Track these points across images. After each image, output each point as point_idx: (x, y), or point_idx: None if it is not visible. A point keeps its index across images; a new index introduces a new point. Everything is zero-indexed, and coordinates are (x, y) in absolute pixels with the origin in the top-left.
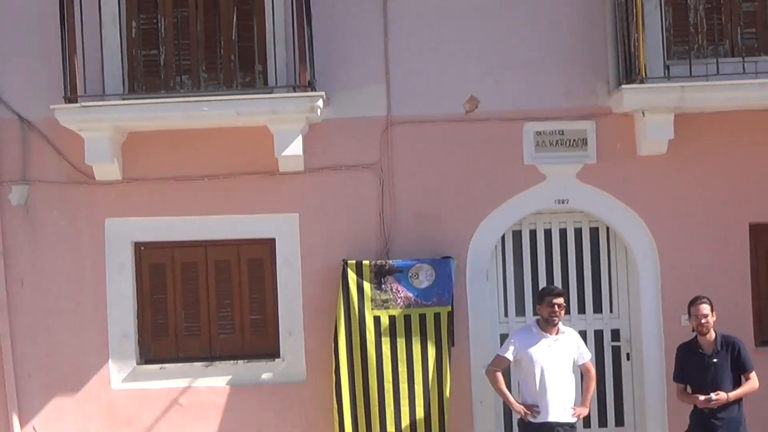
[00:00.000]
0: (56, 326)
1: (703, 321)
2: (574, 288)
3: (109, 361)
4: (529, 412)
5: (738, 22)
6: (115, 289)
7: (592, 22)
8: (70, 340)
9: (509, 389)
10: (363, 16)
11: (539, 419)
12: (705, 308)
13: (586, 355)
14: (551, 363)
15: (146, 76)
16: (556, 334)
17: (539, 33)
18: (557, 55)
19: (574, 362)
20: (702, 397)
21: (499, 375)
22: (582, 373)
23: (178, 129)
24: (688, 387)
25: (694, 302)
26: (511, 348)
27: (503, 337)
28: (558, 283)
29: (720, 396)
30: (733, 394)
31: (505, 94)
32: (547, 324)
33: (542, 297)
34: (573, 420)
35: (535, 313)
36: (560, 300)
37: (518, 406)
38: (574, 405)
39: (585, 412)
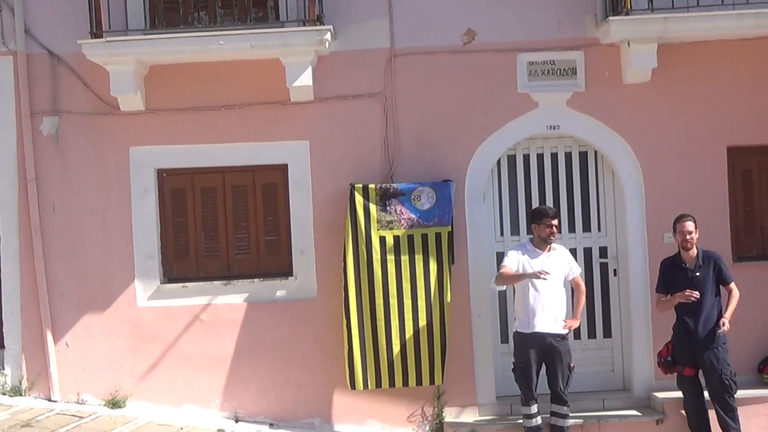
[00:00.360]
0: (85, 248)
1: (687, 237)
2: (565, 209)
3: (135, 280)
4: (541, 273)
5: None
6: (140, 213)
7: None
8: (99, 261)
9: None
10: None
11: (532, 329)
12: (689, 225)
13: (576, 270)
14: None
15: (166, 12)
16: (549, 251)
17: None
18: None
19: (565, 277)
20: (686, 292)
21: (505, 271)
22: (572, 288)
23: (196, 62)
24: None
25: (680, 219)
26: (515, 261)
27: (499, 255)
28: (549, 204)
29: (694, 294)
30: (729, 314)
31: (500, 26)
32: (542, 242)
33: (539, 217)
34: (564, 332)
35: (529, 232)
36: (556, 221)
37: (531, 271)
38: (565, 318)
39: (576, 324)
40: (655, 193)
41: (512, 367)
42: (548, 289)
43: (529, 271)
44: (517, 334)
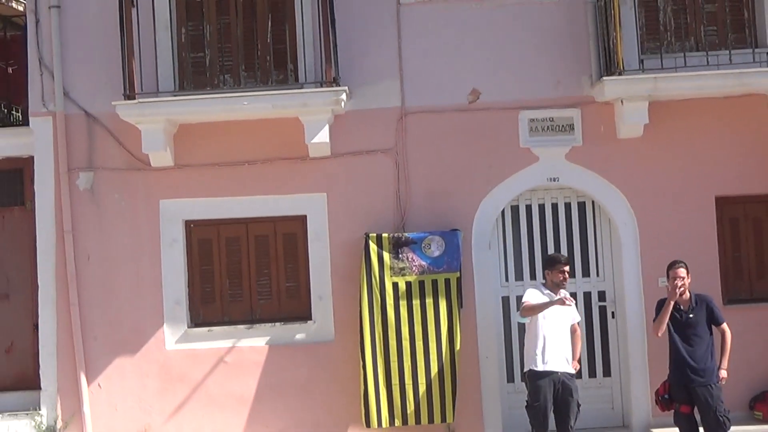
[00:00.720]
0: (118, 295)
1: (679, 282)
2: (566, 254)
3: (164, 324)
4: (567, 299)
5: (701, 21)
6: (169, 261)
7: (577, 24)
8: (130, 307)
9: (517, 354)
10: (380, 21)
11: (546, 368)
12: (682, 271)
13: (577, 318)
14: (556, 320)
15: (194, 75)
16: (559, 296)
17: (532, 33)
18: (547, 52)
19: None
20: (674, 283)
21: (530, 303)
22: (571, 333)
23: (221, 121)
24: (664, 335)
25: (673, 266)
26: (536, 296)
27: (505, 300)
28: (551, 251)
29: (722, 374)
30: (725, 363)
31: (502, 86)
32: (555, 287)
33: (553, 264)
34: (573, 371)
35: (532, 278)
36: (567, 267)
37: (556, 299)
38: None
39: (577, 366)
40: (649, 239)
41: (525, 404)
42: (558, 331)
43: (543, 312)
44: (531, 373)
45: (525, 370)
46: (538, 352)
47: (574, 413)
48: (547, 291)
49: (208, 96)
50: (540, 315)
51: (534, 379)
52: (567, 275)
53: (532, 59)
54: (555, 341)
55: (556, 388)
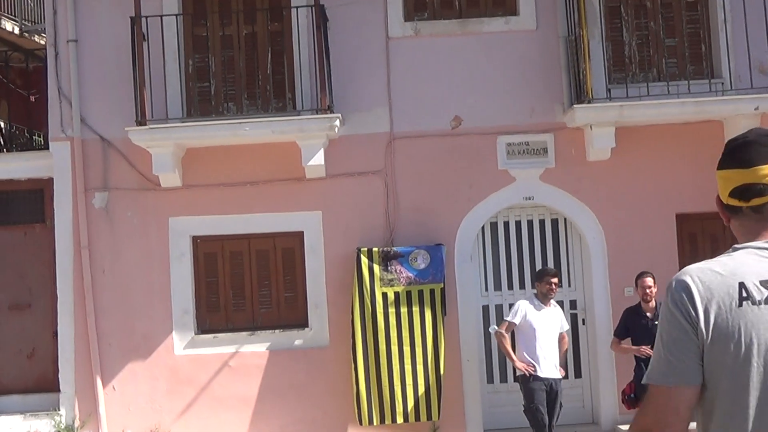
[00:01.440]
0: (130, 305)
1: (647, 290)
2: (554, 268)
3: (173, 332)
4: (531, 370)
5: (663, 54)
6: (177, 274)
7: (550, 56)
8: (142, 315)
9: (497, 358)
10: (371, 53)
11: (539, 373)
12: (649, 281)
13: (566, 327)
14: (546, 330)
15: (200, 103)
16: (550, 305)
17: (509, 64)
18: (523, 82)
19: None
20: (644, 348)
21: (507, 337)
22: (558, 340)
23: (225, 145)
24: (626, 343)
25: (641, 276)
26: (519, 315)
27: (485, 308)
28: (526, 264)
29: (647, 351)
30: None
31: (482, 113)
32: (544, 298)
33: (542, 276)
34: (560, 376)
35: (509, 288)
36: (556, 279)
37: (520, 364)
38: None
39: (563, 372)
40: (616, 253)
41: (523, 408)
42: (549, 340)
43: (533, 321)
44: (525, 378)
45: (518, 374)
46: (532, 358)
47: (556, 413)
48: (537, 301)
49: (213, 122)
50: (534, 321)
51: (528, 382)
52: (555, 286)
53: (509, 88)
54: (546, 348)
55: (546, 391)
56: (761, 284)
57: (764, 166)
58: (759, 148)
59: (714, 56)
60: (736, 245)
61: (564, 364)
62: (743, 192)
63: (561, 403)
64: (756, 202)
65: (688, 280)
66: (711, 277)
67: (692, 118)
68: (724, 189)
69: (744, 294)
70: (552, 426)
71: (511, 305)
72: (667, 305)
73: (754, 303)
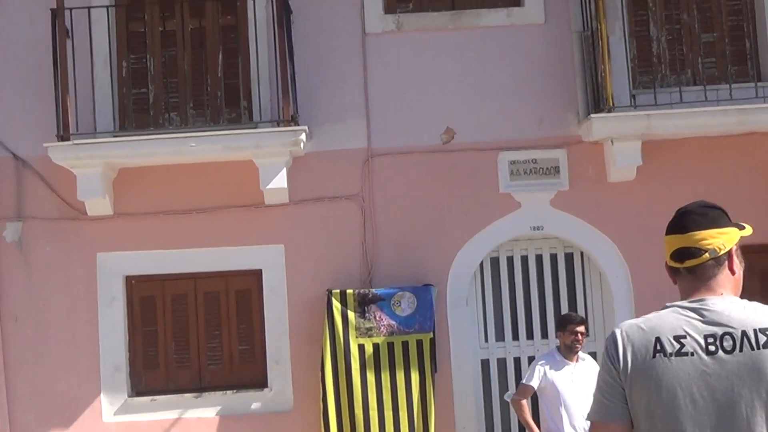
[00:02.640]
0: (50, 360)
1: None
2: (552, 312)
3: (101, 393)
4: None
5: (698, 52)
6: (107, 322)
7: (561, 55)
8: (64, 373)
9: (500, 425)
10: (343, 53)
11: None
12: (581, 328)
13: None
14: (574, 391)
15: (136, 114)
16: (577, 361)
17: (512, 65)
18: (529, 87)
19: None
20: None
21: (525, 404)
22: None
23: (167, 164)
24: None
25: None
26: (536, 376)
27: (484, 363)
28: (535, 308)
29: None
30: None
31: (479, 124)
32: (569, 351)
33: (564, 325)
34: None
35: (515, 338)
36: (582, 328)
37: (558, 383)
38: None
39: None
40: (644, 295)
41: None
42: (579, 404)
43: (557, 382)
44: None
45: None
46: (556, 427)
47: None
48: (560, 356)
49: (151, 137)
50: (558, 381)
51: None
52: (581, 336)
53: (512, 94)
54: (576, 415)
55: None
56: (674, 339)
57: (697, 232)
58: (695, 217)
59: (761, 55)
60: (667, 303)
61: None
62: (680, 254)
63: None
64: (689, 263)
65: (617, 333)
66: (635, 332)
67: (734, 130)
68: (667, 252)
69: (658, 347)
70: None
71: (516, 360)
72: (603, 353)
73: (665, 355)
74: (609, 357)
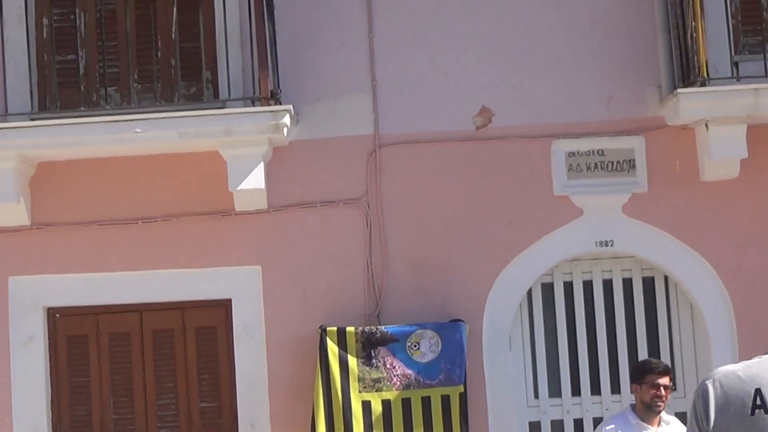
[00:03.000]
0: None
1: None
2: (625, 357)
3: None
4: None
5: None
6: (22, 369)
7: (639, 11)
8: None
9: None
10: (342, 8)
11: None
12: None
13: None
14: None
15: (61, 90)
16: (659, 425)
17: (572, 26)
18: (594, 53)
19: None
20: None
21: None
22: None
23: (103, 157)
24: None
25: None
26: None
27: (533, 426)
28: (603, 352)
29: None
30: None
31: (526, 103)
32: (648, 411)
33: (642, 375)
34: None
35: (575, 393)
36: (666, 380)
37: None
38: None
39: None
40: (751, 335)
41: None
42: None
43: None
44: None
45: None
46: None
47: None
48: (636, 418)
49: (82, 120)
50: None
51: None
52: (666, 391)
53: (571, 63)
54: None
55: None
56: None
57: None
58: None
59: None
60: None
61: None
62: None
63: None
64: None
65: (709, 384)
66: (731, 381)
67: None
68: None
69: (758, 401)
70: None
71: (578, 422)
72: (690, 408)
73: (766, 411)
74: (696, 415)
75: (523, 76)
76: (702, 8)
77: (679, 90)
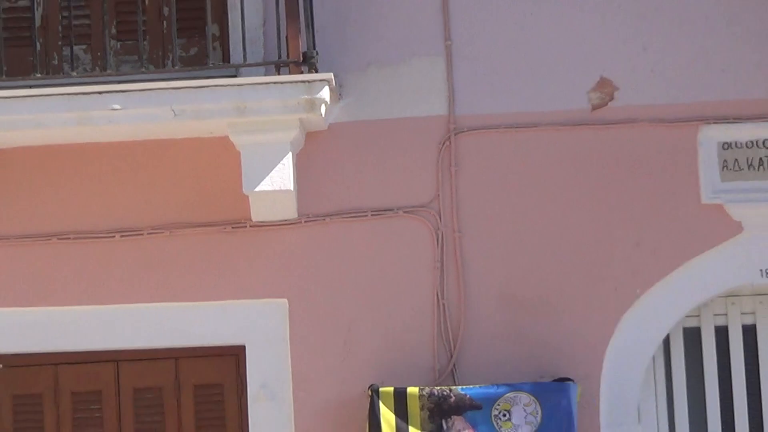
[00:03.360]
0: None
1: None
2: None
3: None
4: None
5: None
6: None
7: None
8: None
9: None
10: None
11: None
12: None
13: None
14: None
15: (9, 48)
16: None
17: None
18: (752, 13)
19: None
20: None
21: None
22: None
23: (67, 143)
24: None
25: None
26: None
27: None
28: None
29: None
30: None
31: (664, 76)
32: None
33: None
34: None
35: None
36: None
37: None
38: None
39: None
40: None
41: None
42: None
43: None
44: None
45: None
46: None
47: None
48: None
49: (37, 92)
50: None
51: None
52: None
53: (725, 22)
54: None
55: None
56: None
57: None
58: None
59: None
60: None
61: None
62: None
63: None
64: None
65: None
66: None
67: None
68: None
69: None
70: None
71: None
72: None
73: None
74: None
75: (662, 40)
76: None
77: None
